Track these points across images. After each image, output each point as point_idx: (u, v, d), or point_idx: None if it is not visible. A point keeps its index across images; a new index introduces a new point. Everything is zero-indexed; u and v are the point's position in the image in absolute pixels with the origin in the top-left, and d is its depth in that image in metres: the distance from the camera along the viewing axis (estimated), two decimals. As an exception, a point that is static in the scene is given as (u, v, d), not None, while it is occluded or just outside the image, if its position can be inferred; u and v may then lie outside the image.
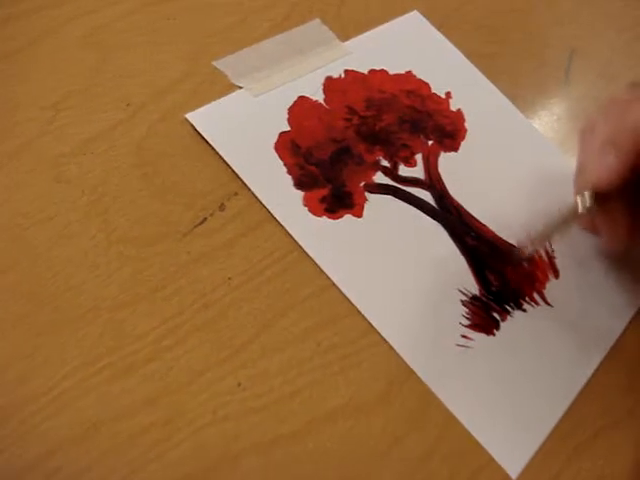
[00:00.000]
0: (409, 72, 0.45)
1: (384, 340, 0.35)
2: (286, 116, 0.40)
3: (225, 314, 0.33)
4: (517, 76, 0.49)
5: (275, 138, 0.39)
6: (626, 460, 0.35)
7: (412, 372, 0.34)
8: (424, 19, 0.48)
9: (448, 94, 0.45)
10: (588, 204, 0.36)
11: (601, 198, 0.36)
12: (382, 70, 0.44)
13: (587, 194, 0.36)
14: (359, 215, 0.38)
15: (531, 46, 0.51)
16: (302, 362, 0.33)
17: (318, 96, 0.41)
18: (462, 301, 0.37)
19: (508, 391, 0.35)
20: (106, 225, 0.34)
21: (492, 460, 0.33)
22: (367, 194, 0.39)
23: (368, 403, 0.33)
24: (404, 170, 0.41)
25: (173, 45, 0.41)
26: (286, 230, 0.36)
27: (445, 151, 0.42)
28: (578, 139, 0.39)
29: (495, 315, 0.37)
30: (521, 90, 0.48)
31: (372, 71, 0.44)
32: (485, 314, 0.37)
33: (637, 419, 0.37)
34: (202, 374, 0.32)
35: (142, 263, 0.33)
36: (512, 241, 0.40)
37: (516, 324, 0.38)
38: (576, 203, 0.36)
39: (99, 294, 0.32)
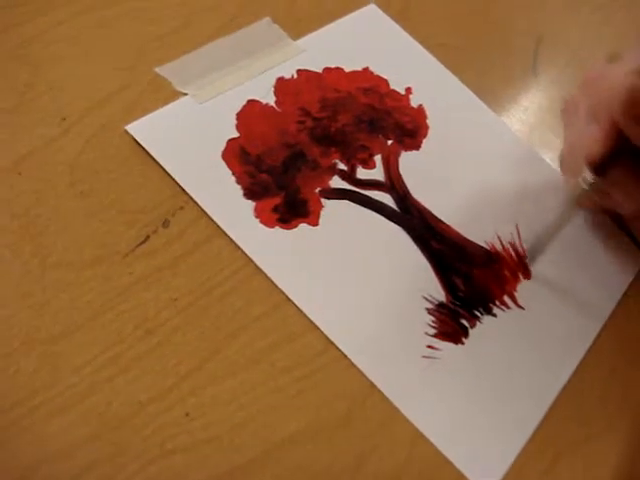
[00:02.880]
0: (366, 69, 0.43)
1: (344, 356, 0.33)
2: (234, 122, 0.38)
3: (170, 339, 0.31)
4: (482, 67, 0.47)
5: (223, 146, 0.37)
6: (607, 470, 0.33)
7: (375, 388, 0.32)
8: (381, 12, 0.46)
9: (408, 90, 0.43)
10: (589, 180, 0.35)
11: (599, 170, 0.35)
12: (337, 68, 0.42)
13: (585, 171, 0.35)
14: (315, 224, 0.36)
15: (496, 35, 0.49)
16: (255, 386, 0.31)
17: (269, 99, 0.39)
18: (427, 309, 0.35)
19: (479, 404, 0.33)
20: (40, 249, 0.32)
21: (464, 478, 0.31)
22: (323, 200, 0.37)
23: (328, 425, 0.31)
24: (362, 173, 0.39)
25: (111, 54, 0.38)
26: (236, 244, 0.34)
27: (406, 150, 0.40)
28: (562, 119, 0.40)
29: (463, 322, 0.35)
30: (486, 82, 0.46)
31: (327, 69, 0.42)
32: (452, 321, 0.35)
33: (616, 425, 0.35)
34: (146, 405, 0.30)
35: (80, 288, 0.31)
36: (479, 241, 0.38)
37: (486, 330, 0.36)
38: (578, 183, 0.36)
39: (32, 325, 0.30)
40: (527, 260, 0.38)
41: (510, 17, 0.50)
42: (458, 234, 0.38)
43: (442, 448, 0.32)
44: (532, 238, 0.38)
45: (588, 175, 0.35)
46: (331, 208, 0.36)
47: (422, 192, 0.39)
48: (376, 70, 0.43)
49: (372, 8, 0.46)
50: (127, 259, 0.32)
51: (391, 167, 0.39)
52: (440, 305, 0.35)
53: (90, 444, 0.28)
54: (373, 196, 0.38)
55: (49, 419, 0.29)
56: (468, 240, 0.38)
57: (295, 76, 0.41)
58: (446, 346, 0.34)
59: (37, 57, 0.37)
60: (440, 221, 0.38)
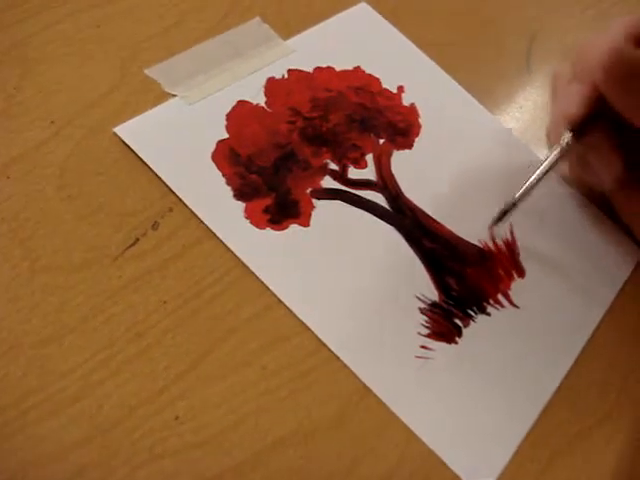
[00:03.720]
0: (357, 67, 0.43)
1: (336, 357, 0.32)
2: (224, 123, 0.37)
3: (160, 342, 0.31)
4: (475, 65, 0.46)
5: (212, 147, 0.36)
6: (605, 467, 0.33)
7: (368, 390, 0.32)
8: (373, 10, 0.46)
9: (400, 88, 0.42)
10: (567, 140, 0.35)
11: (578, 131, 0.35)
12: (328, 67, 0.42)
13: (565, 132, 0.35)
14: (306, 224, 0.35)
15: (488, 32, 0.49)
16: (246, 388, 0.31)
17: (259, 99, 0.39)
18: (420, 309, 0.35)
19: (473, 404, 0.33)
20: (29, 253, 0.32)
21: (458, 479, 0.31)
22: (314, 201, 0.36)
23: (320, 427, 0.31)
24: (354, 172, 0.38)
25: (100, 55, 0.38)
26: (226, 246, 0.34)
27: (398, 149, 0.40)
28: (551, 88, 0.40)
29: (457, 321, 0.35)
30: (479, 80, 0.45)
31: (318, 69, 0.42)
32: (446, 321, 0.35)
33: (615, 423, 0.35)
34: (136, 409, 0.29)
35: (69, 292, 0.31)
36: (473, 240, 0.38)
37: (480, 330, 0.35)
38: (557, 145, 0.36)
39: (21, 329, 0.30)
40: (494, 220, 0.37)
41: (503, 15, 0.50)
42: (451, 233, 0.38)
43: (436, 449, 0.31)
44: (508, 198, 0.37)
45: (564, 137, 0.35)
46: (322, 208, 0.36)
47: (414, 191, 0.38)
48: (368, 69, 0.43)
49: (363, 6, 0.46)
50: (116, 262, 0.32)
51: (383, 166, 0.39)
52: (433, 305, 0.35)
53: (80, 448, 0.28)
54: (365, 196, 0.37)
55: (39, 423, 0.28)
56: (461, 239, 0.38)
57: (286, 76, 0.41)
58: (439, 346, 0.34)
59: (26, 59, 0.37)
60: (433, 220, 0.38)
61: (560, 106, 0.37)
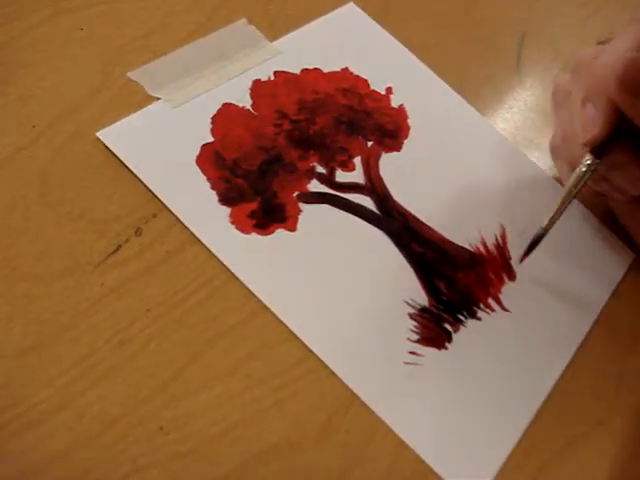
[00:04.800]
0: (345, 69, 0.42)
1: (324, 365, 0.32)
2: (209, 126, 0.37)
3: (144, 350, 0.30)
4: (464, 66, 0.46)
5: (197, 151, 0.36)
6: (597, 475, 0.32)
7: (356, 397, 0.32)
8: (360, 11, 0.45)
9: (388, 90, 0.42)
10: (587, 164, 0.34)
11: (599, 153, 0.34)
12: (316, 69, 0.41)
13: (586, 155, 0.34)
14: (292, 229, 0.35)
15: (478, 32, 0.48)
16: (231, 398, 0.30)
17: (245, 102, 0.38)
18: (409, 314, 0.34)
19: (463, 411, 0.32)
20: (9, 262, 0.31)
21: (448, 488, 0.30)
22: (301, 205, 0.36)
23: (307, 437, 0.30)
24: (342, 175, 0.38)
25: (82, 58, 0.37)
26: (211, 252, 0.33)
27: (386, 151, 0.39)
28: (552, 104, 0.39)
29: (447, 326, 0.34)
30: (469, 80, 0.45)
31: (305, 71, 0.41)
32: (435, 326, 0.34)
33: (608, 428, 0.34)
34: (118, 420, 0.29)
35: (50, 301, 0.30)
36: (463, 243, 0.37)
37: (470, 335, 0.35)
38: (580, 167, 0.34)
39: (1, 339, 0.29)
40: (524, 252, 0.36)
41: (492, 14, 0.49)
42: (441, 236, 0.37)
43: (426, 457, 0.31)
44: (534, 230, 0.36)
45: (586, 159, 0.34)
46: (309, 212, 0.36)
47: (403, 194, 0.38)
48: (355, 70, 0.42)
49: (351, 7, 0.45)
50: (98, 269, 0.32)
51: (371, 169, 0.38)
52: (423, 310, 0.34)
53: (60, 461, 0.28)
54: (353, 199, 0.37)
55: (18, 436, 0.28)
56: (451, 242, 0.37)
57: (272, 78, 0.40)
58: (429, 352, 0.34)
59: (7, 63, 0.36)
60: (422, 223, 0.37)
61: (574, 127, 0.35)
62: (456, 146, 0.41)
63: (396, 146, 0.40)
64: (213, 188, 0.35)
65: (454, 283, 0.36)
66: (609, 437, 0.34)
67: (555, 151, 0.39)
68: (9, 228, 0.32)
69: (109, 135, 0.35)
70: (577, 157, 0.35)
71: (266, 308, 0.32)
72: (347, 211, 0.36)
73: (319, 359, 0.32)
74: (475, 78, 0.45)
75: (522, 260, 0.36)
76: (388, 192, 0.38)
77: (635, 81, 0.31)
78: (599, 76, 0.33)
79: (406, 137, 0.40)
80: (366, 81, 0.42)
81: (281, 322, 0.32)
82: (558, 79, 0.39)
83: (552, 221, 0.35)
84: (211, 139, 0.36)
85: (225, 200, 0.35)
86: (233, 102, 0.38)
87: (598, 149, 0.34)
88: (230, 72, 0.39)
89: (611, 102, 0.33)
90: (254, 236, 0.34)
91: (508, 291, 0.37)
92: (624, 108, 0.32)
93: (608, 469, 0.33)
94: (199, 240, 0.33)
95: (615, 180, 0.35)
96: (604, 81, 0.32)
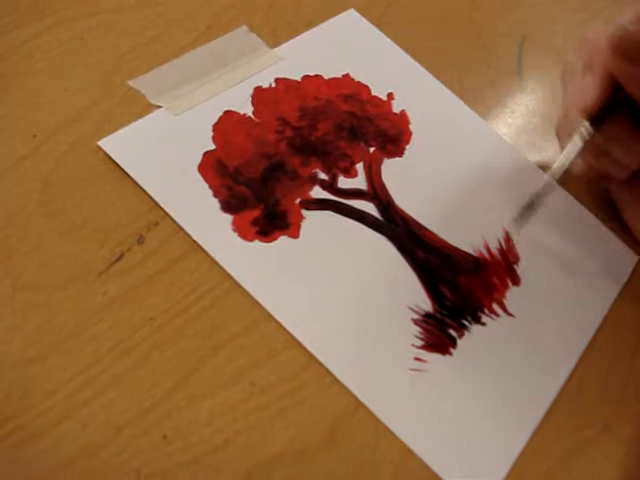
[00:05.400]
0: (346, 75, 0.42)
1: (328, 372, 0.32)
2: (211, 134, 0.37)
3: (147, 359, 0.30)
4: (465, 70, 0.46)
5: (199, 159, 0.36)
6: (605, 480, 0.32)
7: (360, 404, 0.31)
8: (361, 17, 0.45)
9: (390, 95, 0.42)
10: (586, 134, 0.34)
11: (596, 121, 0.34)
12: (317, 75, 0.41)
13: (583, 124, 0.34)
14: (295, 236, 0.35)
15: (478, 37, 0.48)
16: (235, 406, 0.30)
17: (246, 109, 0.38)
18: (414, 320, 0.34)
19: (468, 417, 0.32)
20: (11, 271, 0.31)
21: (455, 495, 0.30)
22: (304, 211, 0.36)
23: (312, 445, 0.30)
24: (344, 182, 0.38)
25: (83, 67, 0.37)
26: (214, 259, 0.33)
27: (388, 157, 0.39)
28: (561, 82, 0.39)
29: (451, 332, 0.34)
30: (470, 85, 0.45)
31: (306, 77, 0.41)
32: (440, 332, 0.34)
33: (614, 433, 0.34)
34: (122, 429, 0.29)
35: (52, 310, 0.30)
36: (466, 248, 0.37)
37: (475, 340, 0.35)
38: (576, 137, 0.34)
39: (3, 349, 0.29)
40: (515, 220, 0.36)
41: (492, 18, 0.49)
42: (444, 242, 0.37)
43: (431, 463, 0.31)
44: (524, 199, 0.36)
45: (585, 129, 0.34)
46: (312, 219, 0.35)
47: (406, 200, 0.38)
48: (357, 76, 0.42)
49: (352, 13, 0.45)
50: (101, 278, 0.31)
51: (373, 175, 0.38)
52: (427, 315, 0.34)
53: (64, 471, 0.28)
54: (355, 205, 0.37)
55: (22, 446, 0.28)
56: (455, 247, 0.37)
57: (273, 85, 0.40)
58: (434, 358, 0.33)
59: (7, 73, 0.36)
60: (425, 229, 0.37)
61: (574, 98, 0.36)
62: (458, 151, 0.41)
63: (398, 152, 0.40)
64: (215, 196, 0.35)
65: (458, 288, 0.36)
66: (616, 442, 0.34)
67: (559, 127, 0.39)
68: (11, 238, 0.32)
69: (110, 144, 0.35)
70: (570, 129, 0.35)
71: (269, 316, 0.32)
72: (349, 217, 0.36)
73: (323, 366, 0.32)
74: (476, 83, 0.45)
75: (513, 226, 0.36)
76: (390, 198, 0.38)
77: (627, 46, 0.32)
78: (598, 47, 0.34)
79: (408, 143, 0.40)
80: (367, 87, 0.42)
81: (284, 329, 0.32)
82: (566, 60, 0.39)
83: (547, 186, 0.35)
84: (213, 147, 0.36)
85: (227, 208, 0.35)
86: (234, 109, 0.38)
87: (595, 119, 0.34)
88: (231, 79, 0.39)
89: (607, 70, 0.33)
90: (257, 243, 0.34)
91: (512, 296, 0.36)
92: (617, 74, 0.33)
93: (615, 474, 0.33)
94: (202, 248, 0.33)
95: (614, 151, 0.35)
96: (602, 51, 0.33)
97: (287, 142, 0.38)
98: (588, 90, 0.34)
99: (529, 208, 0.35)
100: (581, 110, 0.34)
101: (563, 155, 0.34)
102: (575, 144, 0.34)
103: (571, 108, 0.36)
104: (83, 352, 0.30)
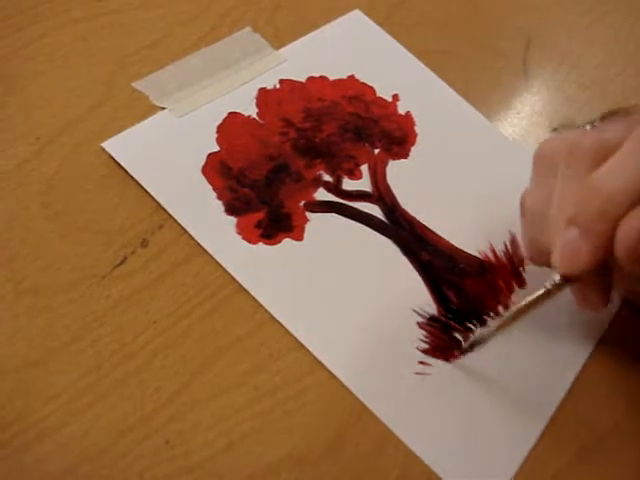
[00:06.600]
0: (351, 76, 0.42)
1: (332, 376, 0.31)
2: (215, 135, 0.37)
3: (150, 363, 0.30)
4: (471, 71, 0.45)
5: (203, 161, 0.36)
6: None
7: (365, 409, 0.31)
8: (366, 18, 0.45)
9: (395, 97, 0.42)
10: (558, 284, 0.30)
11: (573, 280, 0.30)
12: (321, 77, 0.41)
13: (555, 276, 0.30)
14: (299, 238, 0.34)
15: (484, 38, 0.48)
16: (239, 410, 0.30)
17: (250, 110, 0.38)
18: (418, 323, 0.34)
19: (473, 421, 0.32)
20: (13, 274, 0.31)
21: (460, 500, 0.30)
22: (308, 214, 0.35)
23: (316, 450, 0.30)
24: (349, 184, 0.37)
25: (87, 69, 0.37)
26: (218, 262, 0.33)
27: (394, 159, 0.39)
28: (533, 166, 0.34)
29: (456, 335, 0.34)
30: (476, 86, 0.44)
31: (310, 78, 0.41)
32: (445, 335, 0.34)
33: (622, 436, 0.33)
34: (125, 434, 0.28)
35: (55, 313, 0.30)
36: (472, 251, 0.36)
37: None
38: (545, 285, 0.31)
39: (5, 353, 0.29)
40: (464, 348, 0.34)
41: (498, 20, 0.49)
42: (449, 244, 0.37)
43: (436, 468, 0.31)
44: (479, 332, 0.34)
45: (556, 281, 0.30)
46: (316, 222, 0.35)
47: (411, 202, 0.37)
48: (361, 77, 0.42)
49: (357, 14, 0.45)
50: (104, 281, 0.31)
51: (378, 177, 0.38)
52: (432, 319, 0.34)
53: (67, 475, 0.27)
54: (360, 208, 0.36)
55: (24, 451, 0.28)
56: (460, 250, 0.37)
57: (278, 86, 0.40)
58: (438, 361, 0.33)
59: (10, 75, 0.36)
60: (430, 231, 0.37)
61: (558, 252, 0.30)
62: (463, 152, 0.41)
63: (403, 153, 0.39)
64: (219, 198, 0.35)
65: (463, 291, 0.35)
66: (622, 445, 0.33)
67: (525, 212, 0.35)
68: (13, 240, 0.32)
69: (114, 145, 0.35)
70: (543, 241, 0.32)
71: (273, 319, 0.32)
72: (354, 220, 0.36)
73: (327, 370, 0.32)
74: (482, 84, 0.45)
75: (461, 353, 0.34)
76: (396, 200, 0.37)
77: None
78: (597, 203, 0.28)
79: (413, 144, 0.40)
80: (372, 88, 0.42)
81: (288, 333, 0.32)
82: (544, 144, 0.34)
83: (500, 327, 0.32)
84: (217, 148, 0.36)
85: (231, 210, 0.34)
86: (239, 111, 0.38)
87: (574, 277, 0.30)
88: (235, 81, 0.39)
89: (604, 239, 0.28)
90: (261, 246, 0.34)
91: (518, 299, 0.36)
92: (628, 269, 0.28)
93: (622, 478, 0.32)
94: (205, 251, 0.33)
95: (588, 298, 0.32)
96: (604, 213, 0.28)
97: (291, 144, 0.38)
98: (574, 252, 0.29)
99: (472, 346, 0.33)
100: (562, 271, 0.30)
101: (526, 302, 0.31)
102: (540, 294, 0.31)
103: (542, 215, 0.32)
104: (86, 356, 0.30)
